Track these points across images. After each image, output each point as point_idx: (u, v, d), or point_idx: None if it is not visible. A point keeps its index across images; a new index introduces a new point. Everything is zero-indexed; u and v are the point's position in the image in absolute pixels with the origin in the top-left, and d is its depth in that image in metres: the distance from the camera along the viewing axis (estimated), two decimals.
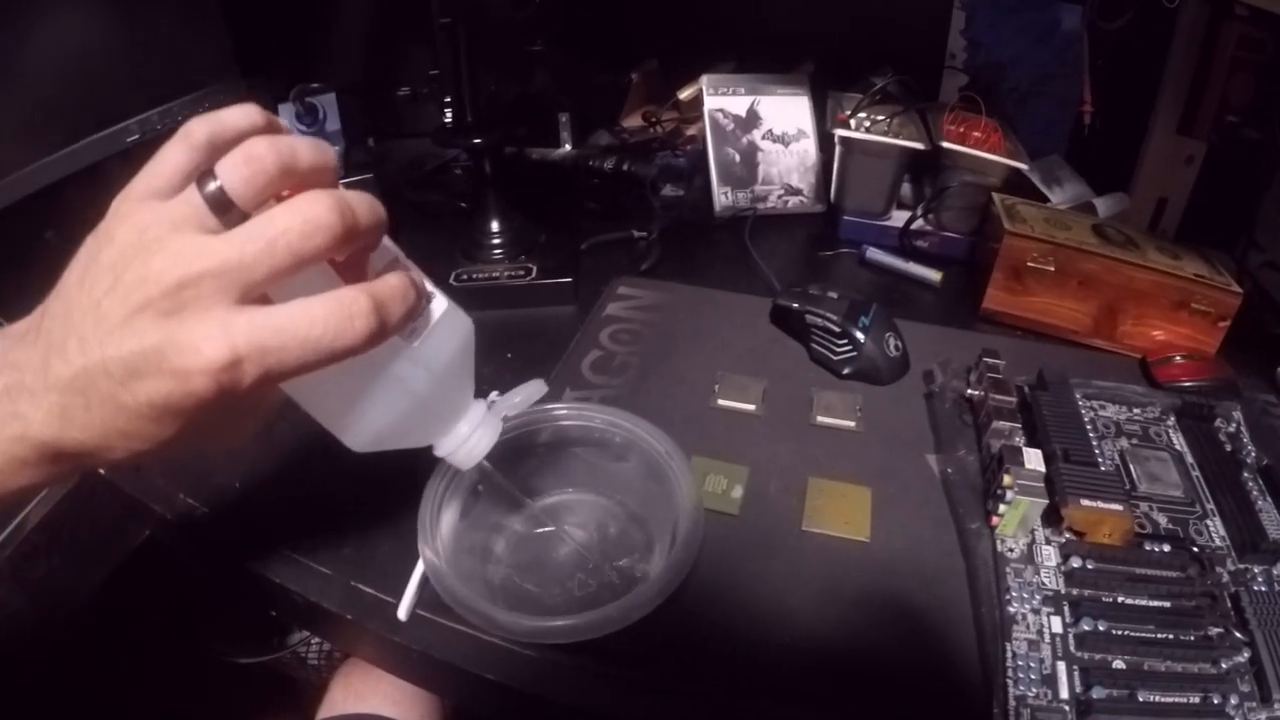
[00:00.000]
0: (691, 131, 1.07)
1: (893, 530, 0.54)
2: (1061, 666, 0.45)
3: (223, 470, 0.59)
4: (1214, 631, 0.47)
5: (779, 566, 0.52)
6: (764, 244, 0.87)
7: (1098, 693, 0.43)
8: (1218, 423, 0.62)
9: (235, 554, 0.54)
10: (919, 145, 0.83)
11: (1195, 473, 0.58)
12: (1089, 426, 0.60)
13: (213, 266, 0.29)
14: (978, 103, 0.83)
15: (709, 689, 0.45)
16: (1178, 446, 0.60)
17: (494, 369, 0.68)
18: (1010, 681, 0.44)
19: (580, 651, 0.46)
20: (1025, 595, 0.49)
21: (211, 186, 0.30)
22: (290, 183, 0.31)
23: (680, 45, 1.09)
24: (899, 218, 0.88)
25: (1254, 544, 0.51)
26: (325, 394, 0.37)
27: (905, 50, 0.95)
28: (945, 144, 0.82)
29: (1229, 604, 0.48)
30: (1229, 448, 0.60)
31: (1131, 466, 0.58)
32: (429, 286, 0.38)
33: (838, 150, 0.88)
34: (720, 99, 0.95)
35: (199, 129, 0.32)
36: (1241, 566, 0.51)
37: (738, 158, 0.94)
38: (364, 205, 0.32)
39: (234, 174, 0.30)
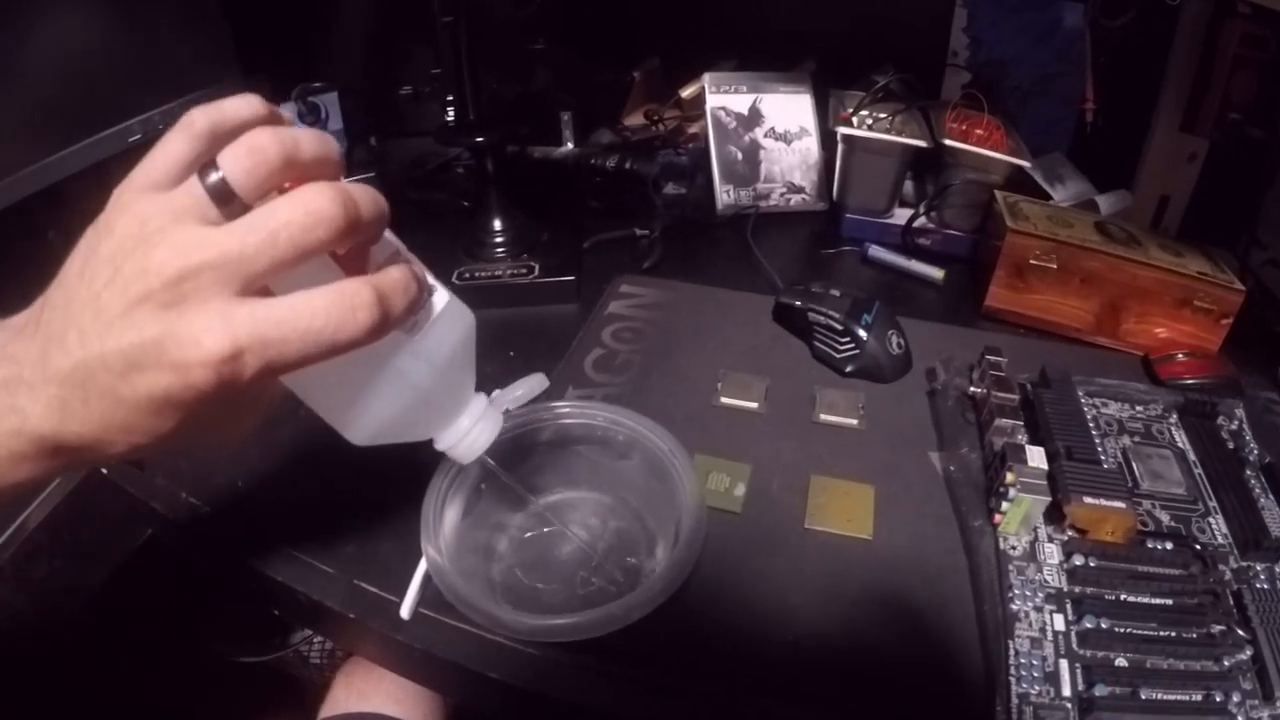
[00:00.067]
0: (693, 129, 1.07)
1: (895, 528, 0.54)
2: (1064, 664, 0.45)
3: (225, 469, 0.59)
4: (1216, 629, 0.47)
5: (782, 564, 0.52)
6: (766, 242, 0.87)
7: (1100, 690, 0.43)
8: (1220, 420, 0.62)
9: (237, 553, 0.54)
10: (921, 143, 0.83)
11: (1198, 470, 0.58)
12: (1091, 424, 0.60)
13: (213, 258, 0.29)
14: (980, 100, 0.83)
15: (711, 687, 0.45)
16: (1180, 444, 0.60)
17: (496, 367, 0.68)
18: (1013, 679, 0.44)
19: (583, 650, 0.46)
20: (1028, 593, 0.49)
21: (213, 177, 0.30)
22: (293, 174, 0.31)
23: (682, 43, 1.09)
24: (901, 215, 0.88)
25: (1256, 541, 0.51)
26: (326, 387, 0.37)
27: (907, 48, 0.96)
28: (947, 142, 0.82)
29: (1231, 602, 0.48)
30: (1231, 445, 0.60)
31: (1134, 464, 0.57)
32: (430, 280, 0.38)
33: (840, 148, 0.88)
34: (722, 97, 0.95)
35: (200, 119, 0.32)
36: (1244, 564, 0.51)
37: (740, 156, 0.94)
38: (366, 198, 0.32)
39: (236, 165, 0.30)
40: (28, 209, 0.66)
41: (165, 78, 0.78)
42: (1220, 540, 0.53)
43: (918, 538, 0.54)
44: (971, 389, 0.63)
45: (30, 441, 0.31)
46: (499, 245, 0.80)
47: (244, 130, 0.31)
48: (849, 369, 0.68)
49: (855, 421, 0.63)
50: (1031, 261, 0.72)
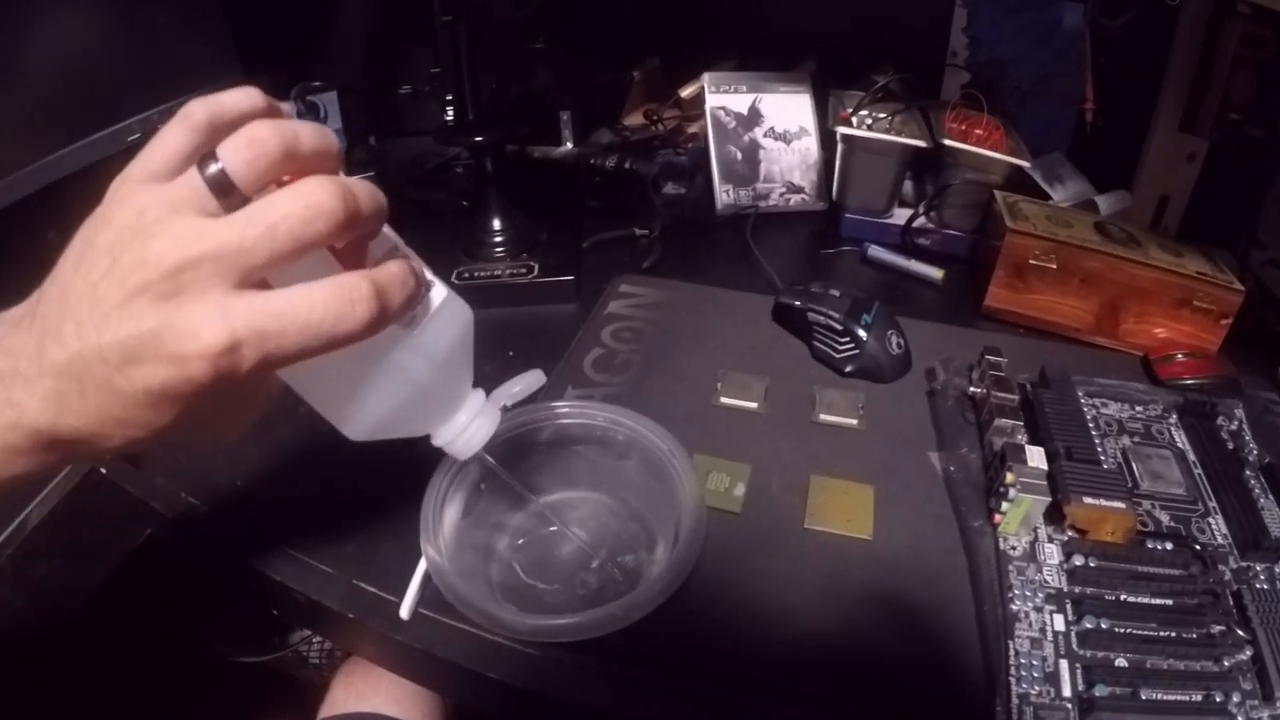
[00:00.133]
0: (693, 129, 1.07)
1: (895, 528, 0.54)
2: (1064, 664, 0.45)
3: (224, 469, 0.59)
4: (1216, 629, 0.47)
5: (781, 564, 0.52)
6: (766, 242, 0.87)
7: (1100, 690, 0.43)
8: (1220, 420, 0.62)
9: (237, 552, 0.54)
10: (921, 143, 0.83)
11: (1197, 470, 0.58)
12: (1091, 424, 0.60)
13: (212, 250, 0.29)
14: (979, 100, 0.83)
15: (711, 687, 0.45)
16: (1180, 444, 0.60)
17: (496, 367, 0.68)
18: (1013, 679, 0.44)
19: (583, 650, 0.46)
20: (1028, 593, 0.49)
21: (213, 169, 0.30)
22: (292, 167, 0.31)
23: (682, 43, 1.09)
24: (901, 215, 0.88)
25: (1256, 542, 0.51)
26: (324, 382, 0.36)
27: (907, 48, 0.96)
28: (947, 142, 0.82)
29: (1231, 602, 0.48)
30: (1231, 445, 0.60)
31: (1134, 464, 0.57)
32: (428, 275, 0.38)
33: (839, 148, 0.88)
34: (722, 97, 0.95)
35: (199, 110, 0.32)
36: (1243, 564, 0.51)
37: (739, 155, 0.94)
38: (365, 192, 0.32)
39: (236, 156, 0.30)
40: (27, 208, 0.66)
41: (165, 77, 0.78)
42: (1220, 540, 0.53)
43: (917, 538, 0.54)
44: (971, 389, 0.63)
45: (26, 435, 0.31)
46: (498, 245, 0.80)
47: (243, 123, 0.31)
48: (848, 369, 0.68)
49: (855, 421, 0.63)
50: (1031, 261, 0.72)
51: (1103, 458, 0.57)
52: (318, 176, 0.31)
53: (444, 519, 0.50)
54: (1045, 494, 0.51)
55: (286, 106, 0.35)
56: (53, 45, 0.69)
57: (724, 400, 0.65)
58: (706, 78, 0.96)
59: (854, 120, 0.85)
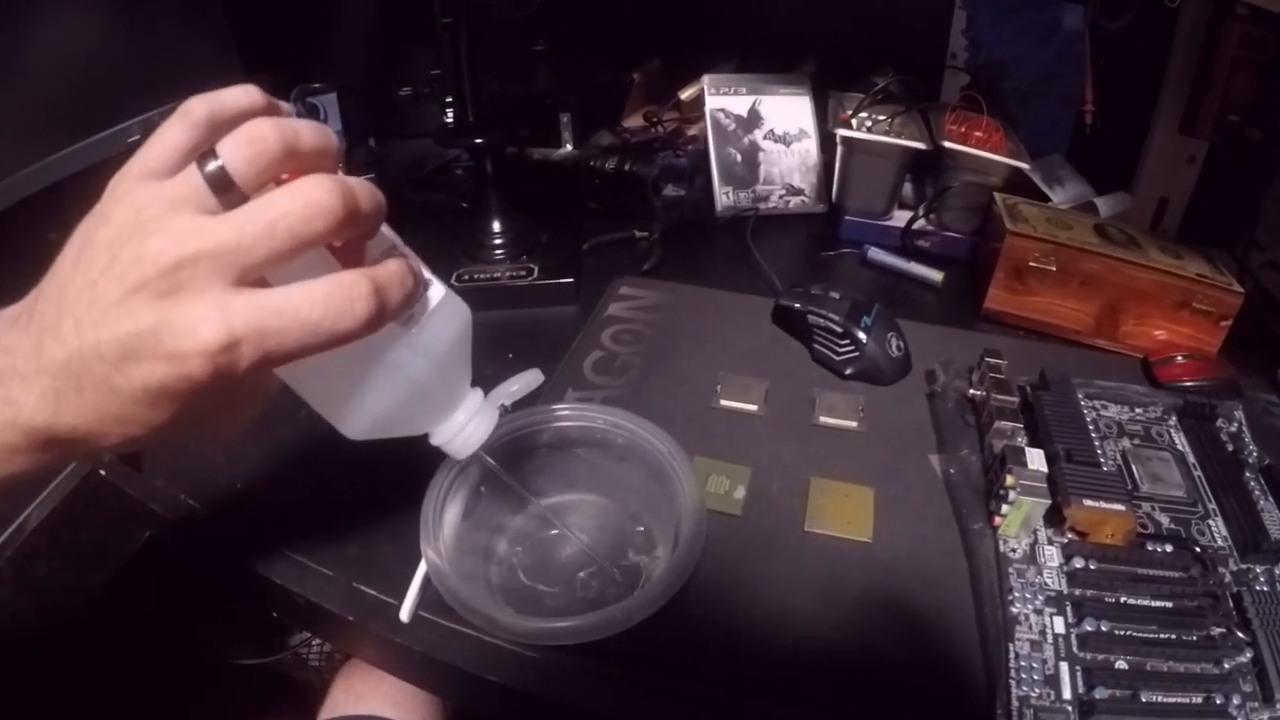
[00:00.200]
0: (693, 131, 1.07)
1: (895, 531, 0.54)
2: (1064, 667, 0.45)
3: (223, 470, 0.59)
4: (1216, 632, 0.47)
5: (781, 567, 0.52)
6: (765, 244, 0.87)
7: (1100, 693, 0.43)
8: (1219, 423, 0.62)
9: (236, 555, 0.54)
10: (920, 145, 0.83)
11: (1197, 473, 0.58)
12: (1091, 426, 0.60)
13: (210, 247, 0.29)
14: (979, 102, 0.83)
15: (711, 690, 0.45)
16: (1180, 446, 0.60)
17: (495, 369, 0.68)
18: (1013, 682, 0.44)
19: (583, 653, 0.46)
20: (1028, 596, 0.49)
21: (212, 166, 0.30)
22: (292, 165, 0.31)
23: (682, 45, 1.09)
24: (900, 218, 0.88)
25: (1256, 544, 0.51)
26: (322, 380, 0.36)
27: (906, 50, 0.95)
28: (947, 144, 0.82)
29: (1231, 604, 0.48)
30: (1231, 448, 0.60)
31: (1134, 466, 0.58)
32: (426, 274, 0.38)
33: (839, 150, 0.88)
34: (722, 99, 0.95)
35: (199, 107, 0.32)
36: (1243, 566, 0.51)
37: (739, 158, 0.94)
38: (365, 191, 0.32)
39: (236, 154, 0.30)
40: (28, 209, 0.66)
41: (165, 78, 0.77)
42: (1220, 543, 0.53)
43: (918, 540, 0.54)
44: (971, 391, 0.63)
45: (23, 433, 0.31)
46: (498, 247, 0.80)
47: (242, 120, 0.31)
48: (848, 371, 0.68)
49: (855, 424, 0.63)
50: (1031, 264, 0.72)
51: (1103, 460, 0.57)
52: (317, 175, 0.31)
53: (444, 521, 0.50)
54: (1045, 496, 0.51)
55: (286, 105, 0.35)
56: (53, 46, 0.69)
57: (724, 403, 0.65)
58: (706, 80, 0.96)
59: (854, 122, 0.85)
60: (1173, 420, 0.63)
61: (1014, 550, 0.52)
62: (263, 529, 0.55)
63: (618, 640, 0.45)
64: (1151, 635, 0.46)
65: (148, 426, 0.31)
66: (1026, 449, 0.54)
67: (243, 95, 0.33)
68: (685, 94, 1.03)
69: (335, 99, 1.01)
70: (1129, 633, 0.46)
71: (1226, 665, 0.45)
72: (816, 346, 0.70)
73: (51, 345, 0.30)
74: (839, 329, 0.68)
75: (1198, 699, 0.43)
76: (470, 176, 1.03)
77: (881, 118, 0.85)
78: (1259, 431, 0.61)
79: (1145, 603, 0.48)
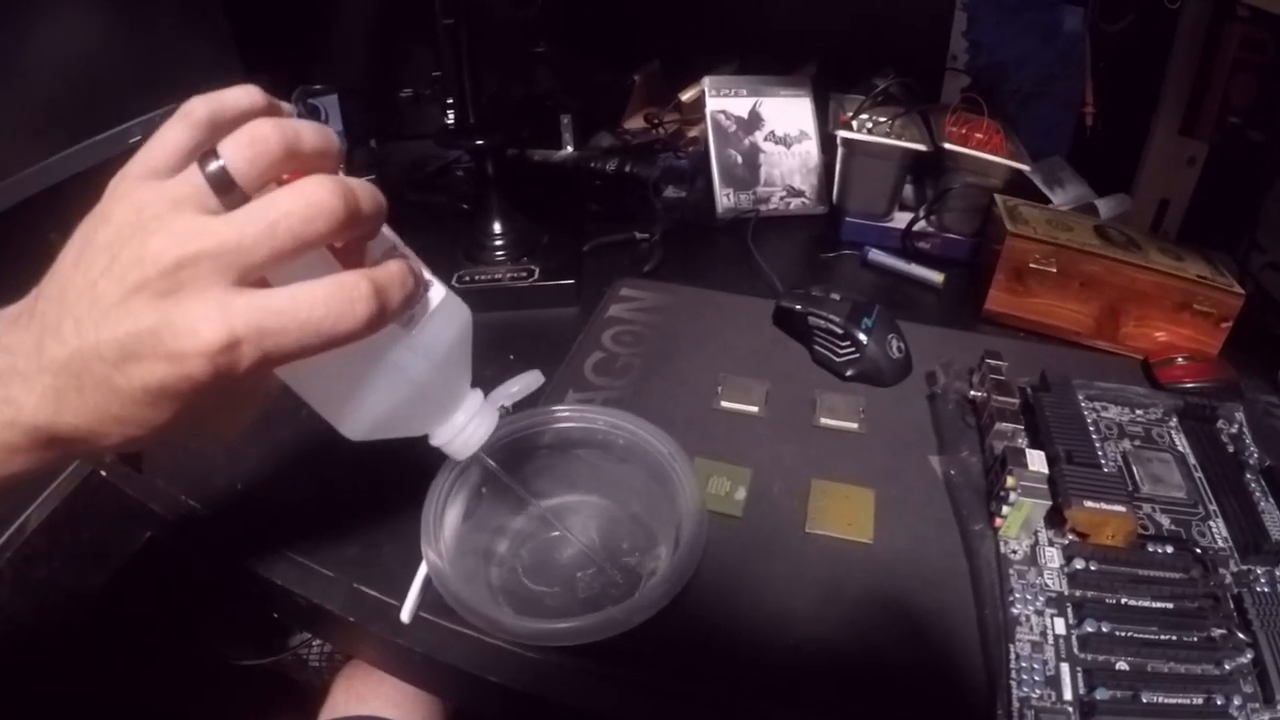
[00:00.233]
0: (693, 133, 1.07)
1: (896, 532, 0.54)
2: (1065, 668, 0.45)
3: (224, 471, 0.59)
4: (1217, 633, 0.47)
5: (782, 568, 0.52)
6: (766, 246, 0.87)
7: (1101, 694, 0.43)
8: (1220, 424, 0.62)
9: (236, 555, 0.54)
10: (921, 147, 0.83)
11: (1198, 474, 0.58)
12: (1091, 428, 0.60)
13: (211, 247, 0.29)
14: (980, 104, 0.83)
15: (712, 691, 0.45)
16: (1180, 448, 0.60)
17: (496, 370, 0.68)
18: (1014, 683, 0.44)
19: (584, 654, 0.46)
20: (1028, 597, 0.49)
21: (214, 166, 0.30)
22: (293, 165, 0.31)
23: (682, 46, 1.09)
24: (901, 219, 0.88)
25: (1256, 545, 0.51)
26: (322, 381, 0.36)
27: (907, 51, 0.95)
28: (947, 145, 0.82)
29: (1231, 605, 0.48)
30: (1231, 449, 0.60)
31: (1134, 468, 0.58)
32: (427, 275, 0.38)
33: (840, 152, 0.88)
34: (722, 100, 0.95)
35: (200, 107, 0.32)
36: (1244, 568, 0.51)
37: (740, 159, 0.94)
38: (365, 192, 0.32)
39: (238, 154, 0.30)
40: (29, 210, 0.66)
41: (166, 79, 0.77)
42: (1220, 544, 0.53)
43: (918, 541, 0.54)
44: (972, 393, 0.63)
45: (24, 433, 0.31)
46: (499, 248, 0.80)
47: (243, 120, 0.31)
48: (849, 373, 0.68)
49: (855, 425, 0.63)
50: (1031, 265, 0.72)
51: (1103, 461, 0.57)
52: (318, 175, 0.31)
53: (445, 522, 0.50)
54: (1046, 498, 0.51)
55: (287, 106, 0.35)
56: (54, 47, 0.69)
57: (725, 404, 0.65)
58: (707, 81, 0.96)
59: (854, 124, 0.85)
60: (1173, 422, 0.63)
61: (1015, 551, 0.52)
62: (263, 530, 0.55)
63: (618, 641, 0.45)
64: (1152, 636, 0.46)
65: (148, 426, 0.31)
66: (1027, 450, 0.54)
67: (244, 95, 0.33)
68: (686, 95, 1.03)
69: (336, 100, 1.01)
70: (1130, 634, 0.46)
71: (1227, 666, 0.45)
72: (817, 348, 0.70)
73: (52, 345, 0.30)
74: (840, 330, 0.68)
75: (1198, 700, 0.43)
76: (471, 178, 1.03)
77: (882, 119, 0.85)
78: (1259, 433, 0.61)
79: (1146, 604, 0.48)
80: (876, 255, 0.86)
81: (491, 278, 0.78)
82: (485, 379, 0.44)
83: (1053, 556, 0.51)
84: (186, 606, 0.95)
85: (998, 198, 0.79)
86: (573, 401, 0.65)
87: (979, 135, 0.83)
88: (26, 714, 0.62)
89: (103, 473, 0.59)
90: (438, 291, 0.38)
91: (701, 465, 0.58)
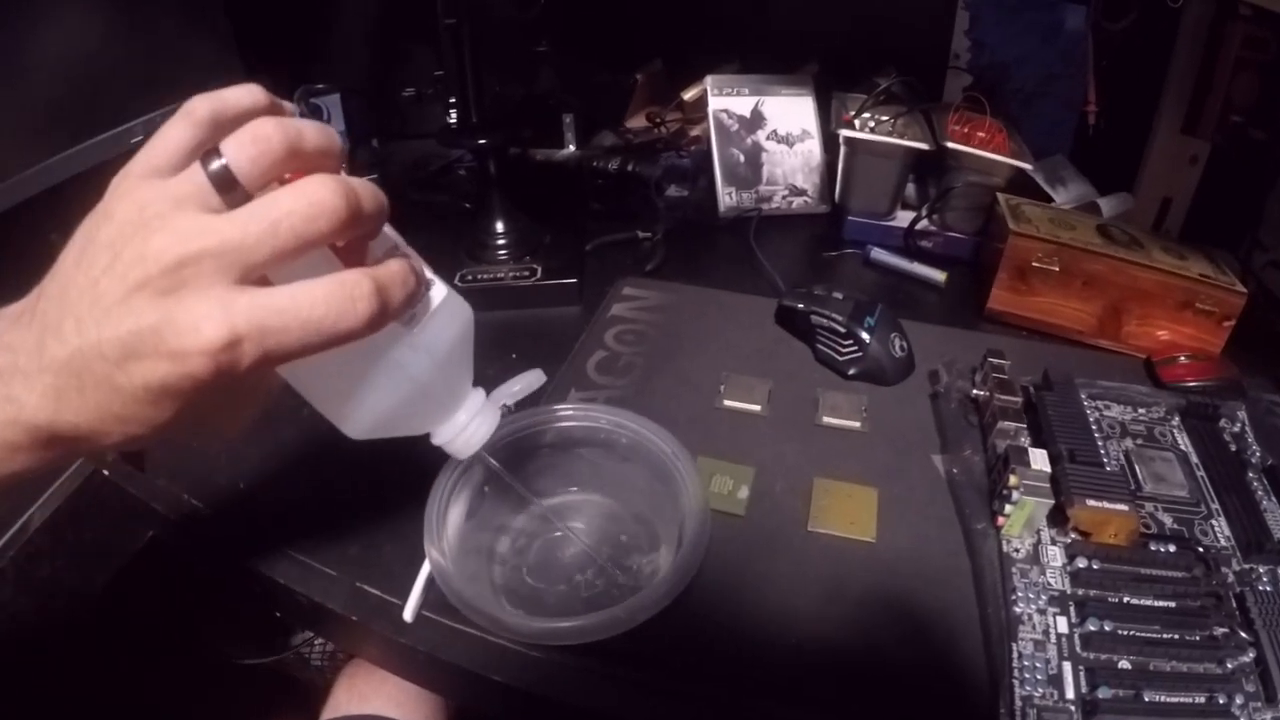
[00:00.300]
0: (696, 132, 1.07)
1: (898, 531, 0.54)
2: (1067, 667, 0.45)
3: (226, 470, 0.59)
4: (1219, 631, 0.47)
5: (785, 567, 0.52)
6: (768, 244, 0.87)
7: (1104, 693, 0.43)
8: (1222, 423, 0.62)
9: (239, 554, 0.54)
10: (923, 146, 0.83)
11: (1200, 473, 0.58)
12: (1094, 427, 0.60)
13: (213, 245, 0.29)
14: (982, 103, 0.83)
15: (715, 690, 0.45)
16: (1183, 447, 0.60)
17: (498, 369, 0.68)
18: (1016, 682, 0.44)
19: (586, 653, 0.46)
20: (1031, 595, 0.49)
21: (216, 164, 0.30)
22: (295, 164, 0.31)
23: (684, 45, 1.09)
24: (903, 218, 0.88)
25: (1259, 544, 0.51)
26: (323, 379, 0.36)
27: (909, 50, 0.96)
28: (950, 144, 0.82)
29: (1234, 604, 0.48)
30: (1234, 448, 0.60)
31: (1137, 467, 0.57)
32: (428, 274, 0.38)
33: (842, 151, 0.88)
34: (724, 99, 0.95)
35: (201, 106, 0.32)
36: (1246, 567, 0.51)
37: (742, 158, 0.94)
38: (367, 191, 0.32)
39: (240, 153, 0.30)
40: (30, 210, 0.66)
41: (167, 80, 0.77)
42: (1223, 543, 0.53)
43: (921, 540, 0.54)
44: (974, 391, 0.63)
45: (25, 432, 0.31)
46: (501, 247, 0.80)
47: (245, 119, 0.31)
48: (852, 372, 0.68)
49: (858, 424, 0.63)
50: (1033, 264, 0.72)
51: (1105, 460, 0.57)
52: (320, 175, 0.31)
53: (448, 521, 0.50)
54: (1048, 496, 0.51)
55: (289, 105, 0.35)
56: (55, 47, 0.69)
57: (727, 403, 0.65)
58: (709, 80, 0.96)
59: (856, 123, 0.85)
60: (1176, 420, 0.63)
61: (1017, 550, 0.52)
62: (265, 529, 0.55)
63: (621, 640, 0.45)
64: (1154, 635, 0.46)
65: (149, 425, 0.31)
66: (1030, 449, 0.54)
67: (245, 94, 0.33)
68: (688, 95, 1.04)
69: (339, 99, 1.01)
70: (1132, 633, 0.46)
71: (1229, 665, 0.45)
72: (820, 347, 0.70)
73: (53, 344, 0.30)
74: (842, 329, 0.68)
75: (1201, 699, 0.43)
76: (473, 177, 1.03)
77: (884, 118, 0.85)
78: (1262, 432, 0.61)
79: (1148, 603, 0.48)
80: (879, 254, 0.86)
81: (494, 277, 0.78)
82: (488, 378, 0.44)
83: (1055, 555, 0.51)
84: (189, 605, 0.96)
85: (1000, 196, 0.79)
86: (575, 400, 0.65)
87: (981, 134, 0.82)
88: (29, 712, 0.62)
89: (105, 472, 0.59)
90: (439, 290, 0.38)
91: (704, 464, 0.58)
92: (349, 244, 0.34)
